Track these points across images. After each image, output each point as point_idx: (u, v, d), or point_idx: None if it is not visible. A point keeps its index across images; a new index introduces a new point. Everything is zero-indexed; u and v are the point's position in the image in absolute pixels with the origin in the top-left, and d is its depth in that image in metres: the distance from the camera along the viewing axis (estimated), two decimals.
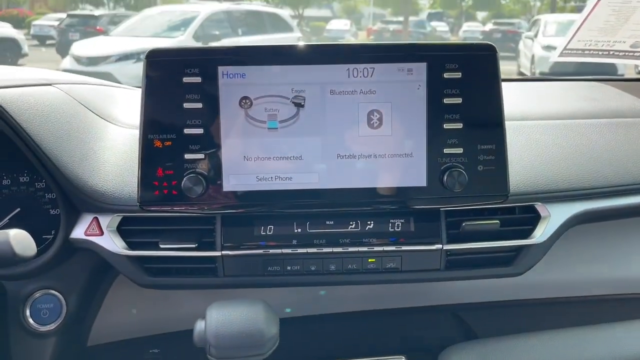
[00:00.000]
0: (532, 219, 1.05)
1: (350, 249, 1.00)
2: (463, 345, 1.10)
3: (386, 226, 1.01)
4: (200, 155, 0.94)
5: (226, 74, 0.93)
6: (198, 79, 0.93)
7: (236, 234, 1.00)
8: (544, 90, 1.44)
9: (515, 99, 1.29)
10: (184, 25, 9.75)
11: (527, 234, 1.04)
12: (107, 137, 1.06)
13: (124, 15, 16.40)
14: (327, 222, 1.01)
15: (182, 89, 0.93)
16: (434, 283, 1.26)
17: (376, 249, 1.00)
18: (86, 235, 1.01)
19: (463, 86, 0.95)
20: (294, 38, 11.07)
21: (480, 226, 1.02)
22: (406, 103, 0.95)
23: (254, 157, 0.95)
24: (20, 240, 0.82)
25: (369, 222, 1.01)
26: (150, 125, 0.94)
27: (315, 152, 0.95)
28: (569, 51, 1.69)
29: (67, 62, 9.16)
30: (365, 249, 1.00)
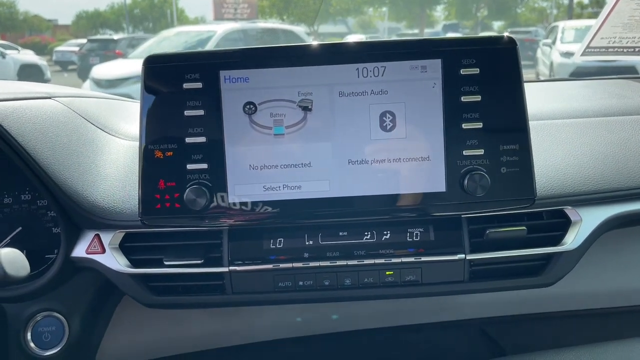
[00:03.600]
0: (562, 224, 0.97)
1: (366, 262, 0.93)
2: None
3: (404, 236, 0.95)
4: (203, 165, 0.88)
5: (228, 79, 0.88)
6: (199, 85, 0.88)
7: (244, 248, 0.94)
8: (569, 90, 1.37)
9: (539, 99, 1.22)
10: (200, 45, 9.83)
11: (557, 241, 0.96)
12: (109, 150, 1.02)
13: (142, 38, 16.66)
14: (341, 233, 0.95)
15: (182, 95, 0.88)
16: (458, 296, 1.18)
17: (394, 260, 0.93)
18: (87, 253, 0.96)
19: (482, 83, 0.88)
20: None
21: (506, 233, 0.94)
22: (421, 103, 0.89)
23: (260, 166, 0.89)
24: (12, 259, 0.77)
25: (385, 232, 0.95)
26: (150, 135, 0.89)
27: (325, 158, 0.89)
28: (592, 49, 1.61)
29: (87, 85, 9.30)
30: (382, 260, 0.93)
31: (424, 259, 0.93)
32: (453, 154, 0.89)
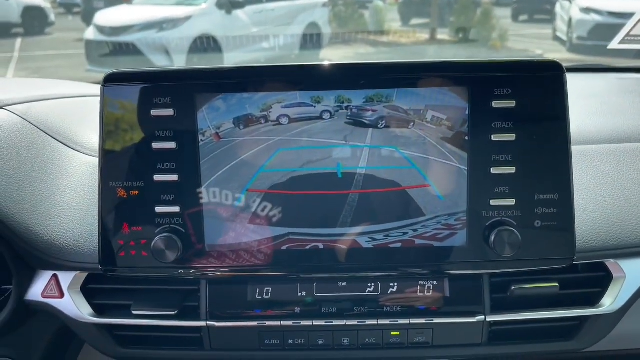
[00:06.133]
0: (601, 279, 0.82)
1: (368, 322, 0.79)
2: None
3: (413, 289, 0.80)
4: (175, 209, 0.74)
5: (206, 105, 0.72)
6: (170, 112, 0.72)
7: (225, 299, 0.81)
8: (611, 93, 1.17)
9: (574, 105, 1.02)
10: None
11: (594, 300, 0.81)
12: (70, 171, 0.86)
13: None
14: (339, 284, 0.81)
15: (150, 124, 0.72)
16: None
17: (401, 321, 0.79)
18: (44, 297, 0.83)
19: (517, 118, 0.72)
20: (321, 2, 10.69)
21: (535, 290, 0.80)
22: (441, 140, 0.72)
23: None
24: None
25: (391, 285, 0.80)
26: (112, 169, 0.74)
27: (326, 203, 0.74)
28: (633, 38, 1.43)
29: (91, 32, 9.02)
30: (387, 321, 0.79)
31: (436, 320, 0.79)
32: (478, 203, 0.73)
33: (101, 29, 8.90)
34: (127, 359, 0.85)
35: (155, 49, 6.54)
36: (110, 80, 0.73)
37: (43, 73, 6.45)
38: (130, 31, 8.72)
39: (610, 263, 0.82)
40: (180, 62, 5.75)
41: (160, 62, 5.93)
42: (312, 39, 6.79)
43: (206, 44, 6.11)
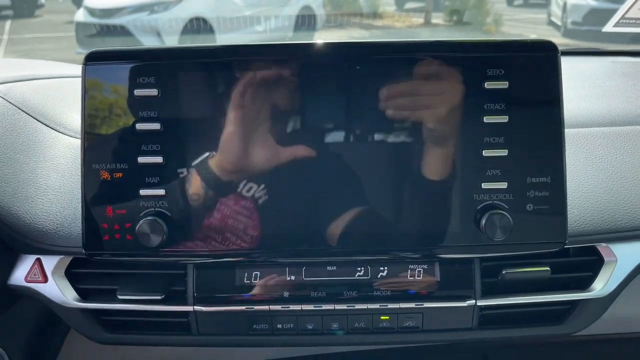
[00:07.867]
0: (593, 263, 0.82)
1: (358, 306, 0.78)
2: None
3: (403, 273, 0.79)
4: (160, 191, 0.72)
5: (191, 84, 0.70)
6: (154, 91, 0.70)
7: (212, 283, 0.80)
8: (605, 77, 1.16)
9: (568, 88, 1.00)
10: None
11: (585, 284, 0.81)
12: (53, 153, 0.84)
13: None
14: (329, 268, 0.79)
15: (133, 104, 0.70)
16: None
17: (390, 306, 0.78)
18: (27, 281, 0.81)
19: (510, 100, 0.70)
20: None
21: (525, 274, 0.79)
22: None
23: None
24: None
25: (381, 269, 0.79)
26: (94, 152, 0.72)
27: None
28: (627, 21, 1.42)
29: (81, 14, 8.90)
30: (376, 306, 0.78)
31: (426, 304, 0.78)
32: (469, 186, 0.72)
33: (92, 11, 8.76)
34: (112, 343, 0.84)
35: (147, 31, 6.43)
36: (92, 59, 0.71)
37: (33, 55, 6.35)
38: (121, 13, 8.58)
39: (601, 247, 0.81)
40: (172, 44, 5.67)
41: (151, 45, 5.81)
42: (305, 22, 6.71)
43: (198, 26, 6.01)
